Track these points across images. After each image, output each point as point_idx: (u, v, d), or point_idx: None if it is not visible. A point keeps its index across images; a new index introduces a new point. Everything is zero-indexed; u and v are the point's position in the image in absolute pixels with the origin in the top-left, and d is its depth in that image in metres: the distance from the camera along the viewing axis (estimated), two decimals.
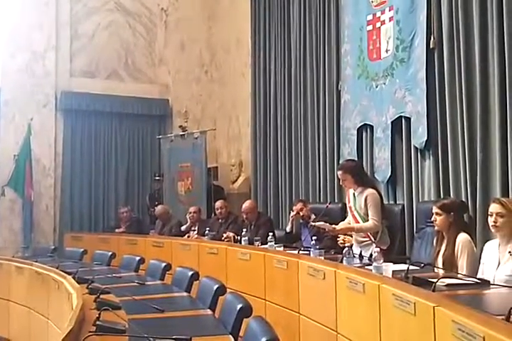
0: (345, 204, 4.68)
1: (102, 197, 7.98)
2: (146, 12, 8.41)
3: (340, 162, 5.11)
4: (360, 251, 4.04)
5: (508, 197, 3.58)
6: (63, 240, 7.37)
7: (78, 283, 3.49)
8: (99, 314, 2.38)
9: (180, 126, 7.80)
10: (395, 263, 3.10)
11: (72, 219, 7.78)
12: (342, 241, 4.19)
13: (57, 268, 4.27)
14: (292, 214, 5.04)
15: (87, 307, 2.79)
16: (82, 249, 5.65)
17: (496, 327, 1.74)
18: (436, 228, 3.45)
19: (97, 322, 2.30)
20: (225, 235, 5.36)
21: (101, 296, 2.94)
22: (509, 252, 2.87)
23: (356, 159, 5.11)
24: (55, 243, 7.34)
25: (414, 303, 2.30)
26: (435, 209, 3.41)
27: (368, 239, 4.17)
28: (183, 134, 7.66)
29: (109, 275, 4.02)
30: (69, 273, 3.85)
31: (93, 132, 8.00)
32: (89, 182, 7.90)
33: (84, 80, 7.95)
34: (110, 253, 5.16)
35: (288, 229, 5.11)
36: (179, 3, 8.52)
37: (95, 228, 7.83)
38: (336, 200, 5.54)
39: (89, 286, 3.32)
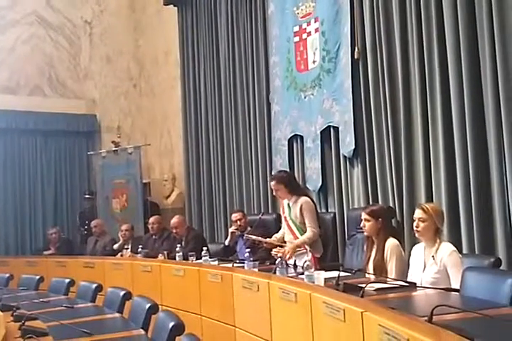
0: (280, 214, 4.69)
1: (29, 218, 7.65)
2: (69, 25, 8.18)
3: (273, 173, 5.15)
4: (295, 261, 4.05)
5: (432, 201, 3.71)
6: None
7: (2, 310, 3.31)
8: None
9: (113, 142, 7.62)
10: (328, 270, 3.14)
11: None
12: (276, 252, 4.19)
13: None
14: (232, 228, 5.00)
15: (11, 336, 2.69)
16: (7, 274, 5.35)
17: (419, 328, 1.78)
18: (365, 234, 3.51)
19: None
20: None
21: (26, 323, 2.83)
22: (432, 256, 2.96)
23: (288, 170, 5.15)
24: None
25: (344, 310, 2.33)
26: (364, 216, 3.48)
27: (302, 248, 4.19)
28: (116, 150, 7.50)
29: (36, 301, 3.86)
30: None
31: (16, 151, 7.67)
32: (14, 203, 7.55)
33: (5, 97, 7.59)
34: (38, 277, 4.96)
35: (227, 242, 5.08)
36: (103, 15, 8.35)
37: (22, 251, 7.50)
38: (270, 211, 5.56)
39: (14, 313, 3.17)
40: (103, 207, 7.54)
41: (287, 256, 4.00)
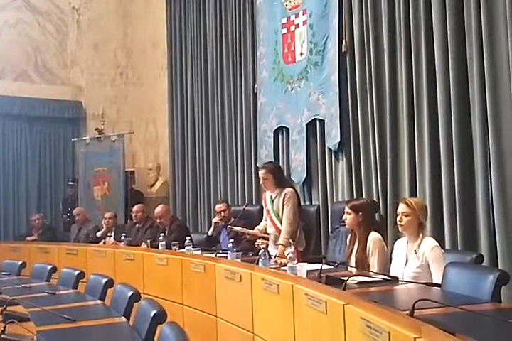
0: (263, 206, 4.70)
1: (12, 203, 7.62)
2: (56, 11, 8.08)
3: (258, 164, 5.15)
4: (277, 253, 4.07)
5: (416, 196, 3.74)
6: None
7: None
8: (4, 327, 2.27)
9: (97, 129, 7.58)
10: (310, 262, 3.15)
11: None
12: (259, 243, 4.20)
13: None
14: (216, 218, 5.01)
15: None
16: None
17: (400, 322, 1.79)
18: (347, 227, 3.54)
19: (2, 336, 2.20)
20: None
21: (8, 308, 2.79)
22: (414, 251, 2.99)
23: (273, 161, 5.16)
24: None
25: (326, 302, 2.34)
26: (346, 209, 3.51)
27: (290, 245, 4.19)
28: (100, 137, 7.44)
29: (18, 286, 3.86)
30: None
31: (0, 136, 7.61)
32: None
33: None
34: (20, 262, 4.94)
35: (210, 232, 5.08)
36: (92, 1, 8.24)
37: (5, 236, 7.46)
38: (254, 202, 5.58)
39: None
40: (84, 194, 7.50)
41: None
